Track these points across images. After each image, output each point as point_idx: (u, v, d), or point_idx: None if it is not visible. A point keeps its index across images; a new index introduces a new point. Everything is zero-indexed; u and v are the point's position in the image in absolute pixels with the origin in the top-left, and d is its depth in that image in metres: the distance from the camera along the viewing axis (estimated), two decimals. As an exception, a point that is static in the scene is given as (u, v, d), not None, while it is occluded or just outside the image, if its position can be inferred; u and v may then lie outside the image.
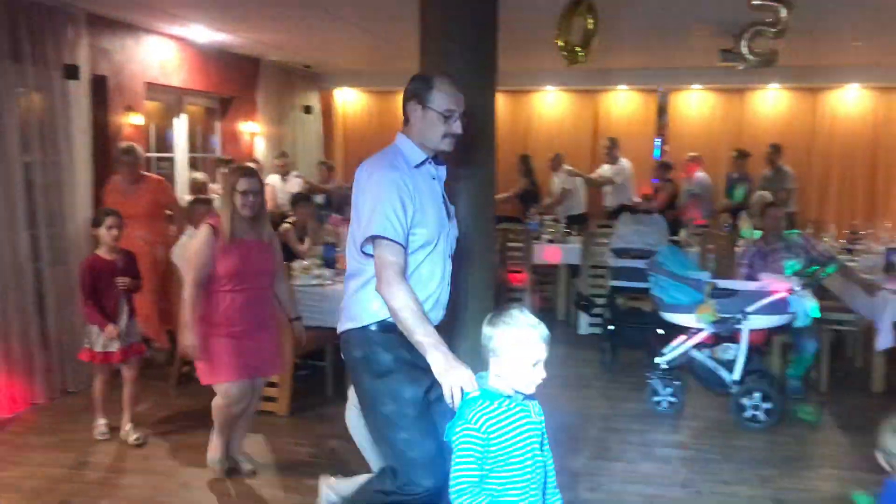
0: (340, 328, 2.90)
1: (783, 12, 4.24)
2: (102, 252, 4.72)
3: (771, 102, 10.70)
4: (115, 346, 4.70)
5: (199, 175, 7.95)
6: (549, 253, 7.96)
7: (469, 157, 3.54)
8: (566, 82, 10.80)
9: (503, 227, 7.78)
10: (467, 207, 3.51)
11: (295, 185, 8.75)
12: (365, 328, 2.79)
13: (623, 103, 11.10)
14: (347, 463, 4.52)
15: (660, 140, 11.15)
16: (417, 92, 2.84)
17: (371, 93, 11.73)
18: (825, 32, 7.35)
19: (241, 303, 3.99)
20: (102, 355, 4.70)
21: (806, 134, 10.54)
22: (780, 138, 10.11)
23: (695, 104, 10.94)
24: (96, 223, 4.72)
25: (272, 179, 8.83)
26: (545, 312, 7.91)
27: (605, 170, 9.77)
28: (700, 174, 9.57)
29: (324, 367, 5.70)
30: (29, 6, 5.46)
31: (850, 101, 10.49)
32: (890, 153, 10.35)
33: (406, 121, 2.85)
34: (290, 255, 6.25)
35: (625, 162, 9.73)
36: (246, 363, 4.05)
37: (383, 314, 2.73)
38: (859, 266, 6.41)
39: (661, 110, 11.20)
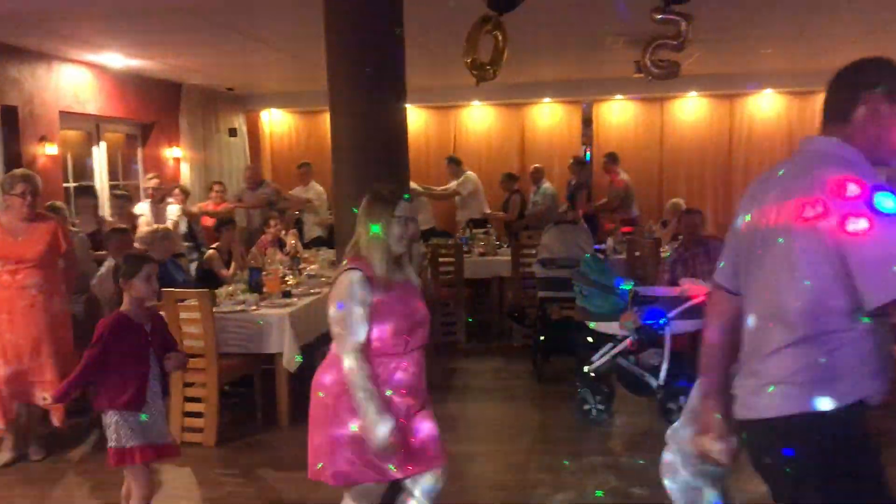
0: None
1: (683, 25, 4.38)
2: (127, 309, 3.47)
3: (690, 110, 11.00)
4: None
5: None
6: (481, 267, 8.01)
7: (382, 173, 3.54)
8: (492, 97, 10.92)
9: (433, 243, 7.81)
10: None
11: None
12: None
13: (548, 115, 11.27)
14: (278, 491, 4.47)
15: (588, 151, 11.35)
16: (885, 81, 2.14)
17: (297, 113, 11.67)
18: (735, 42, 7.61)
19: None
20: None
21: (725, 138, 10.88)
22: (700, 144, 10.41)
23: (618, 114, 11.17)
24: (129, 273, 3.43)
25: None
26: (480, 325, 7.95)
27: (451, 184, 9.75)
28: (546, 185, 9.74)
29: (252, 395, 5.61)
30: (-72, 37, 5.30)
31: (765, 105, 10.86)
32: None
33: (842, 119, 2.18)
34: (217, 281, 6.16)
35: (470, 174, 9.76)
36: None
37: None
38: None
39: (587, 121, 11.41)
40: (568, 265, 6.35)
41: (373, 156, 3.52)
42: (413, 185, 9.48)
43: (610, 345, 5.41)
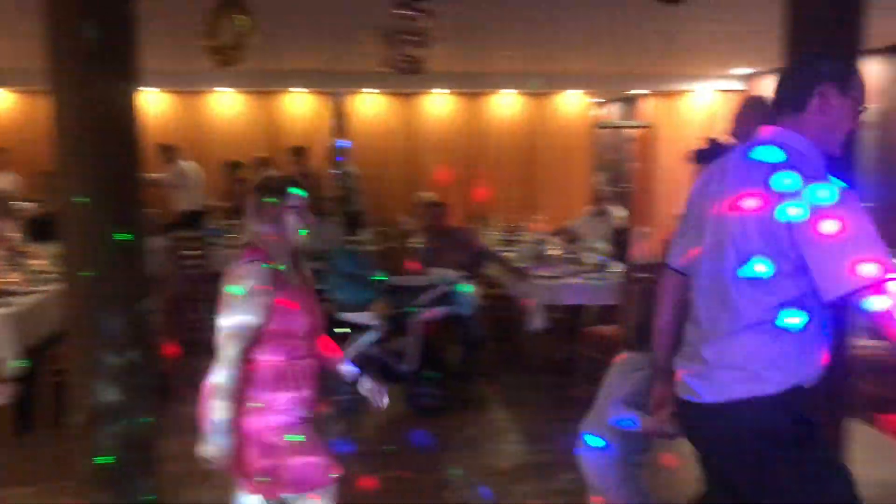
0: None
1: (425, 21, 4.52)
2: None
3: (438, 106, 11.41)
4: None
5: None
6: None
7: (111, 160, 3.28)
8: (239, 83, 10.58)
9: (176, 235, 7.43)
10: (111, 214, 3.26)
11: None
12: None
13: (300, 105, 11.15)
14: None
15: (345, 143, 11.35)
16: (837, 74, 2.24)
17: (19, 93, 10.52)
18: (480, 42, 7.99)
19: None
20: None
21: (471, 136, 11.41)
22: (448, 140, 10.86)
23: (370, 107, 11.31)
24: None
25: None
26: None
27: (163, 175, 9.41)
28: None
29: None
30: None
31: (507, 105, 11.54)
32: (544, 152, 11.55)
33: (795, 109, 2.26)
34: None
35: (185, 164, 9.59)
36: None
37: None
38: (516, 255, 7.06)
39: (339, 114, 11.42)
40: (320, 257, 6.32)
41: (101, 144, 3.24)
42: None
43: (361, 334, 5.48)
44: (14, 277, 5.67)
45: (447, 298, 5.45)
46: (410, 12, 4.45)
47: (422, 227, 7.44)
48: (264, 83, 10.51)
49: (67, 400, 3.94)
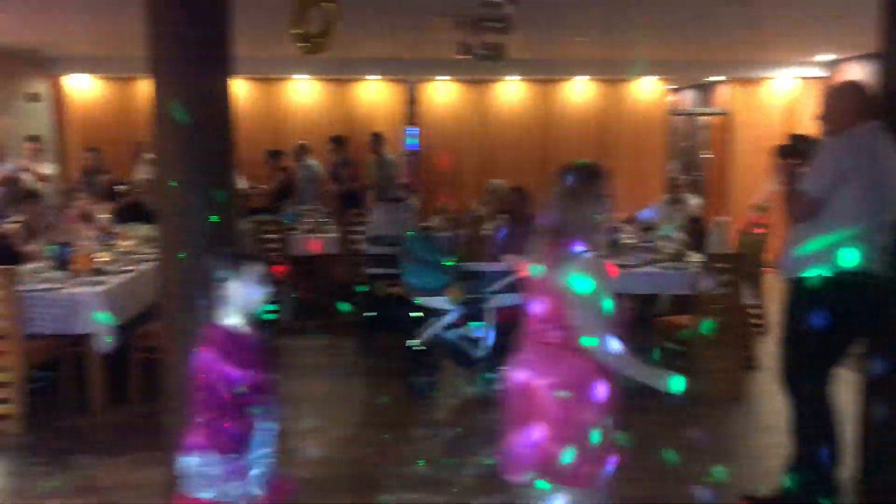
0: None
1: (508, 9, 4.53)
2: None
3: (512, 93, 11.40)
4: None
5: None
6: (312, 244, 7.91)
7: (203, 146, 3.42)
8: (317, 71, 10.78)
9: (256, 220, 7.64)
10: (204, 199, 3.40)
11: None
12: None
13: (374, 93, 11.28)
14: (91, 478, 4.25)
15: (414, 130, 11.46)
16: None
17: (109, 79, 10.94)
18: (555, 29, 7.96)
19: None
20: None
21: (543, 123, 11.37)
22: (520, 127, 10.85)
23: (443, 95, 11.37)
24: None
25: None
26: (307, 302, 7.88)
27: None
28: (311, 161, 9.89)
29: (58, 378, 5.26)
30: None
31: (580, 92, 11.45)
32: (616, 140, 11.44)
33: None
34: (15, 258, 5.67)
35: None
36: None
37: None
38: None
39: (412, 101, 11.52)
40: (395, 242, 6.43)
41: (196, 128, 3.38)
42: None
43: (436, 319, 5.56)
44: (105, 257, 5.94)
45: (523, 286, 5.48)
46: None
47: (498, 213, 7.49)
48: (340, 71, 10.67)
49: (158, 375, 4.14)
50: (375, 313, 6.62)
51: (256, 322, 2.78)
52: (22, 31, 8.16)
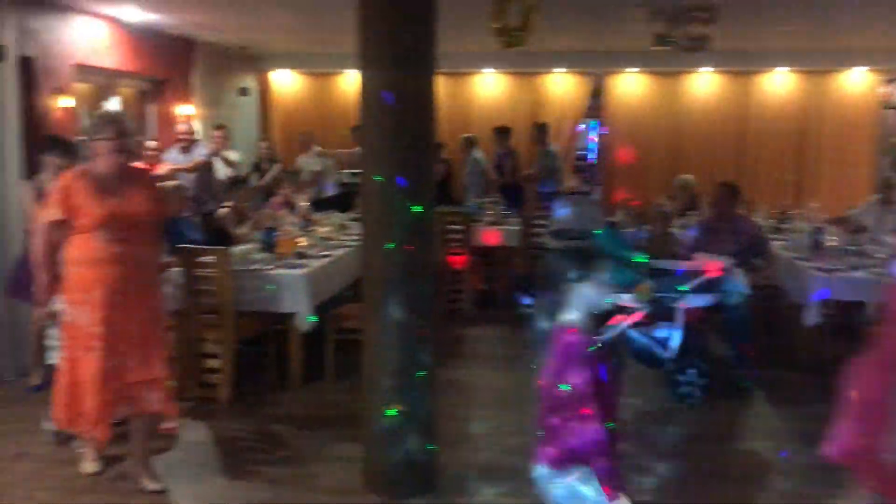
0: None
1: (714, -2, 4.36)
2: None
3: (705, 86, 10.94)
4: None
5: None
6: (489, 235, 8.02)
7: (409, 141, 3.55)
8: (505, 65, 10.86)
9: (441, 211, 7.82)
10: (407, 192, 3.53)
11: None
12: None
13: (562, 86, 11.21)
14: (293, 448, 4.54)
15: (598, 123, 11.28)
16: None
17: (308, 75, 11.60)
18: (756, 18, 7.55)
19: None
20: None
21: (738, 116, 10.83)
22: (712, 121, 10.40)
23: (631, 87, 11.11)
24: None
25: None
26: (485, 294, 7.99)
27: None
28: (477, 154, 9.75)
29: (265, 352, 5.65)
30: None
31: (779, 84, 10.80)
32: (818, 135, 10.70)
33: None
34: (226, 240, 6.15)
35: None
36: None
37: None
38: (787, 245, 6.64)
39: (597, 93, 11.32)
40: (580, 237, 6.37)
41: (402, 124, 3.52)
42: (318, 147, 9.40)
43: (622, 316, 5.45)
44: (305, 242, 6.31)
45: (714, 286, 5.26)
46: (703, -12, 4.31)
47: (687, 210, 7.23)
48: (527, 64, 10.68)
49: (352, 356, 4.36)
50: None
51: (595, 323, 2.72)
52: (235, 30, 8.82)
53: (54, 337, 4.30)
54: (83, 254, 3.67)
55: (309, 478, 4.16)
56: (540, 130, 9.78)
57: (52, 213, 3.66)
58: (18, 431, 4.69)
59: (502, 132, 9.93)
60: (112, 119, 3.88)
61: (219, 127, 8.76)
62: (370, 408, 3.75)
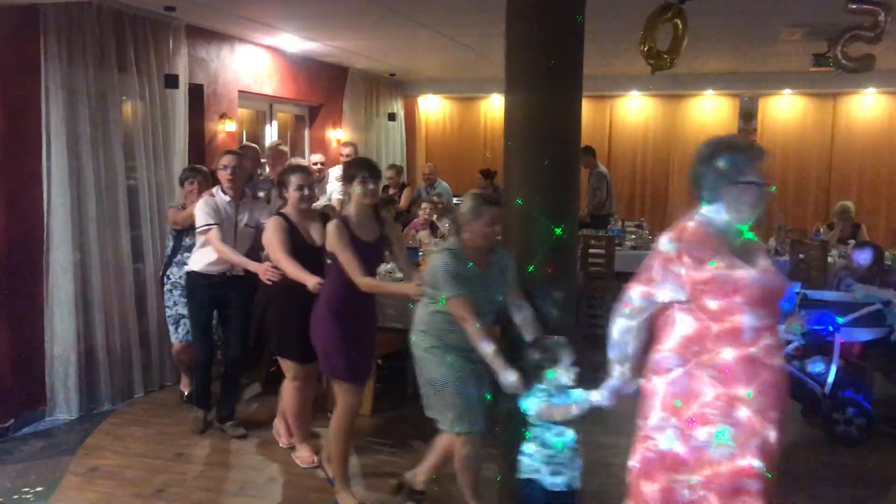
0: None
1: (882, 16, 4.10)
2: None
3: (866, 107, 10.32)
4: None
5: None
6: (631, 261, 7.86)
7: (554, 164, 3.56)
8: (649, 87, 10.69)
9: (583, 234, 7.75)
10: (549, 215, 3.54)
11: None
12: None
13: (708, 109, 10.89)
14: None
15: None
16: None
17: (453, 99, 11.86)
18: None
19: None
20: None
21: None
22: (874, 143, 9.79)
23: (784, 109, 10.64)
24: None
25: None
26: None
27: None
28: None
29: (403, 368, 5.79)
30: (133, 18, 5.75)
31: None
32: None
33: None
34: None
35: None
36: None
37: None
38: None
39: (749, 116, 10.92)
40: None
41: (546, 149, 3.53)
42: None
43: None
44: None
45: (877, 319, 4.93)
46: (868, 6, 4.09)
47: (842, 239, 6.84)
48: (672, 86, 10.47)
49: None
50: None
51: None
52: (383, 56, 9.16)
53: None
54: None
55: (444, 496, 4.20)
56: (587, 153, 9.30)
57: None
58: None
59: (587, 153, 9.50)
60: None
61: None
62: (505, 433, 3.75)
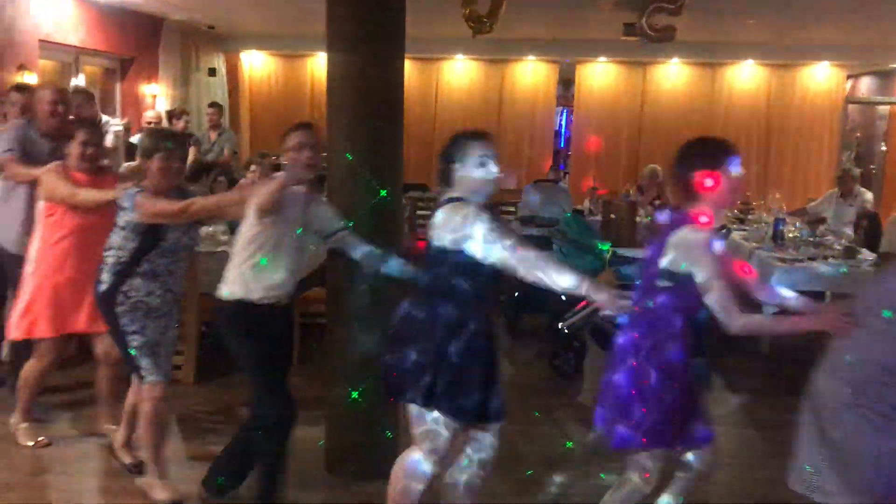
0: None
1: (682, -10, 4.40)
2: None
3: (672, 76, 11.06)
4: None
5: None
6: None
7: (376, 124, 3.56)
8: (474, 51, 10.86)
9: (411, 196, 7.84)
10: (373, 175, 3.54)
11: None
12: None
13: (529, 74, 11.24)
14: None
15: (565, 111, 11.38)
16: None
17: (278, 56, 11.50)
18: (722, 9, 7.64)
19: None
20: None
21: (705, 108, 10.97)
22: (680, 110, 10.52)
23: (600, 76, 11.19)
24: None
25: None
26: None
27: None
28: None
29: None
30: None
31: (745, 76, 10.96)
32: (782, 127, 10.88)
33: None
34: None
35: None
36: None
37: None
38: (747, 234, 6.76)
39: (568, 82, 11.40)
40: (548, 224, 6.43)
41: (369, 110, 3.52)
42: None
43: (586, 303, 5.51)
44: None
45: (676, 274, 5.34)
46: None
47: (651, 201, 7.32)
48: (495, 51, 10.70)
49: (317, 340, 4.35)
50: (521, 294, 6.64)
51: None
52: (201, 7, 8.71)
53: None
54: None
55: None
56: None
57: None
58: None
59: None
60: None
61: (213, 105, 8.72)
62: (335, 391, 3.76)
